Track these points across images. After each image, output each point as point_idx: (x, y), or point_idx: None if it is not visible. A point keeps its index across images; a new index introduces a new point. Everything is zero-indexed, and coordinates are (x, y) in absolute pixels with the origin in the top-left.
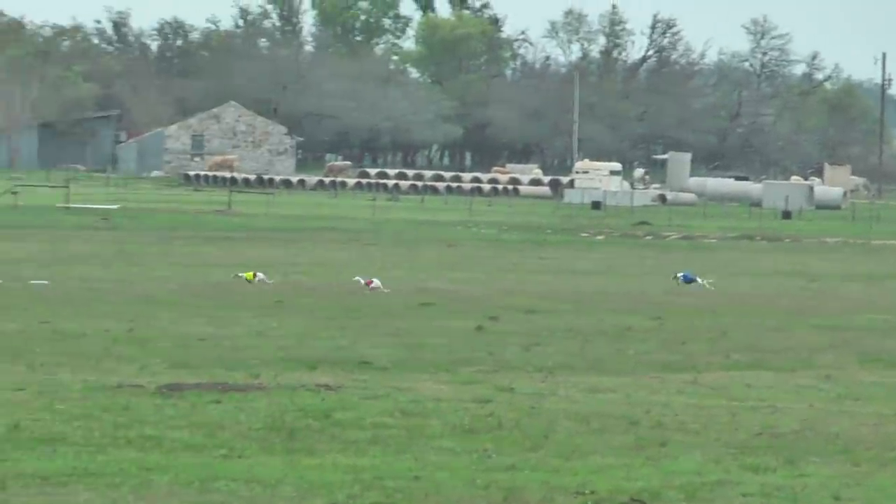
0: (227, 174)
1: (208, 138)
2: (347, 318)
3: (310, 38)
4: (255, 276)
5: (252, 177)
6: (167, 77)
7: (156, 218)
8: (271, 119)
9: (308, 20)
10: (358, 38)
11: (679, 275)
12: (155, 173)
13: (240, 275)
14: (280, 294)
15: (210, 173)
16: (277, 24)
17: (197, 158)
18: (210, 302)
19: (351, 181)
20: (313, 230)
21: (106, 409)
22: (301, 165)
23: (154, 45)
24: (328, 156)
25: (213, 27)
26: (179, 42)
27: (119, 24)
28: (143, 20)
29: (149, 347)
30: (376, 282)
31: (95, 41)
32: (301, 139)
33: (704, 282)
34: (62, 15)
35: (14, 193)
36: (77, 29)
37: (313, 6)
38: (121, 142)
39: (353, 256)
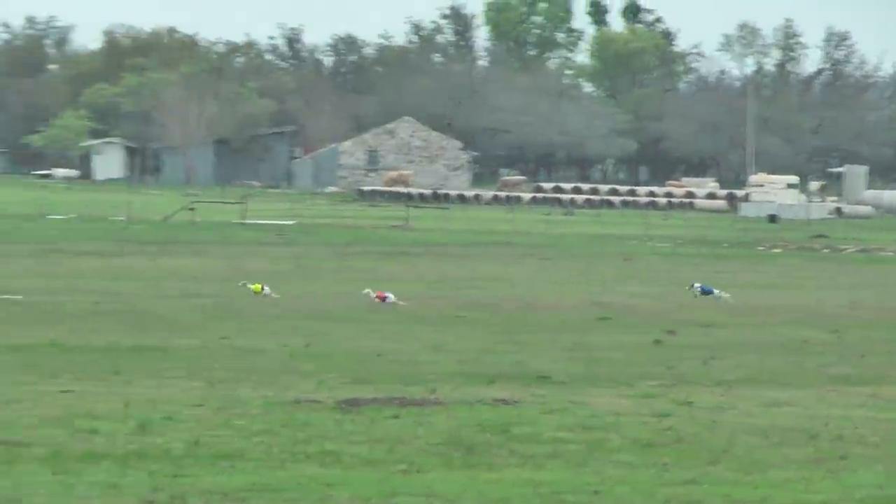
0: (402, 189)
1: (383, 154)
2: (524, 333)
3: (483, 53)
4: (262, 288)
5: (427, 192)
6: (341, 93)
7: (331, 233)
8: (446, 134)
9: (481, 35)
10: (531, 53)
11: (696, 286)
12: (330, 189)
13: (248, 285)
14: (457, 309)
15: (385, 188)
16: (451, 38)
17: (372, 174)
18: (387, 317)
19: (526, 196)
20: (489, 245)
21: (285, 425)
22: (477, 180)
23: (328, 61)
24: (502, 170)
25: (386, 43)
26: (353, 58)
27: (292, 40)
28: (317, 36)
29: (326, 363)
30: (391, 296)
31: (269, 57)
32: (476, 154)
33: (721, 293)
34: (236, 32)
35: (191, 210)
36: (251, 45)
37: (486, 21)
38: (296, 157)
39: (529, 271)
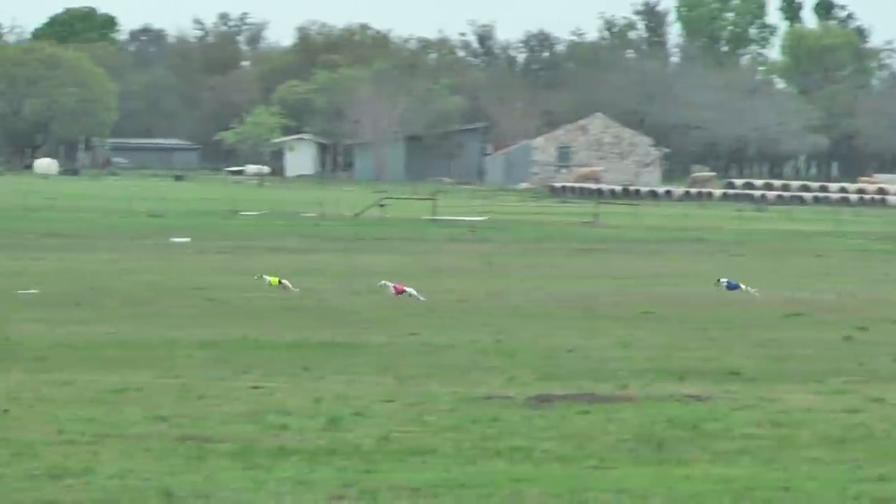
0: (593, 186)
1: (575, 150)
2: (715, 329)
3: (676, 49)
4: (279, 281)
5: (618, 188)
6: (533, 89)
7: (522, 230)
8: (637, 130)
9: (674, 31)
10: (724, 49)
11: (723, 281)
12: (521, 185)
13: (264, 277)
14: (647, 305)
15: (576, 185)
16: (644, 35)
17: (563, 170)
18: (577, 313)
19: (717, 192)
20: (679, 241)
21: (475, 421)
22: (668, 177)
23: (520, 57)
24: (693, 167)
25: (578, 39)
26: (545, 54)
27: (484, 37)
28: (509, 32)
29: (517, 358)
30: (410, 289)
31: (461, 54)
32: (667, 150)
33: (747, 288)
34: (428, 28)
35: (382, 206)
36: (443, 42)
37: (679, 17)
38: (487, 154)
39: (720, 267)
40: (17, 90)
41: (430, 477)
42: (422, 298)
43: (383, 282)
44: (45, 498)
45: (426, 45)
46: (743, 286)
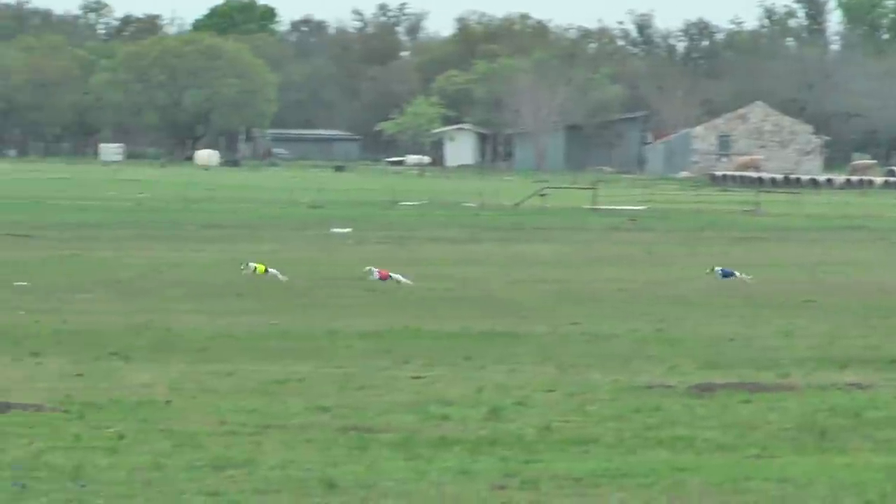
0: (753, 174)
1: (735, 139)
2: (877, 317)
3: (836, 37)
4: (266, 270)
5: (778, 177)
6: (693, 78)
7: (682, 218)
8: (798, 119)
9: (834, 19)
10: (884, 37)
11: (717, 269)
12: (682, 174)
13: (251, 265)
14: (808, 293)
15: (736, 173)
16: (803, 23)
17: (724, 159)
18: (738, 301)
19: (878, 180)
20: (840, 229)
21: (636, 410)
22: (829, 165)
23: (679, 46)
24: (854, 154)
25: (737, 28)
26: (705, 43)
27: (643, 26)
28: (668, 21)
29: (678, 347)
30: (395, 275)
31: (621, 43)
32: (828, 138)
33: (741, 275)
34: (588, 17)
35: (542, 196)
36: (603, 31)
37: (839, 5)
38: (647, 143)
39: (881, 256)
40: (178, 82)
41: (591, 466)
42: (406, 281)
43: (369, 267)
44: (208, 489)
45: (586, 34)
46: (737, 273)
